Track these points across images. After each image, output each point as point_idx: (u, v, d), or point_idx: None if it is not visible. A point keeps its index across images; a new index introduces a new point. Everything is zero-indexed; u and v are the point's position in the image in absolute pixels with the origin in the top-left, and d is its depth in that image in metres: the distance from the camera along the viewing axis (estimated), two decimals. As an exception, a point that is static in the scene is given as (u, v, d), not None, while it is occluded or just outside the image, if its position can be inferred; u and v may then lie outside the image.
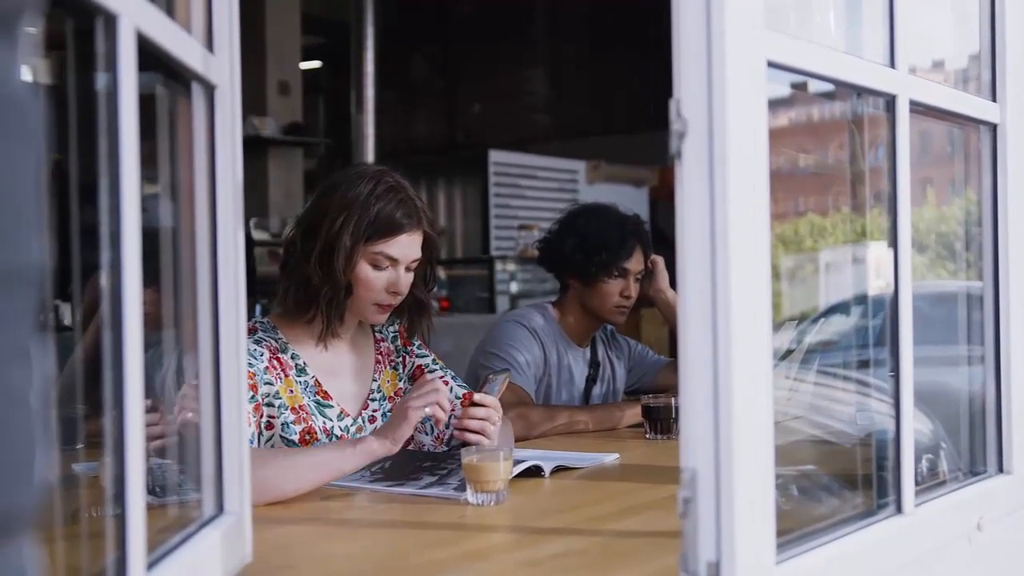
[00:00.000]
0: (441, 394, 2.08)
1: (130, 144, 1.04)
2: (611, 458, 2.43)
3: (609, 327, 3.28)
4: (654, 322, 6.66)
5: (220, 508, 1.41)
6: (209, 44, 1.38)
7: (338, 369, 2.36)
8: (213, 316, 1.40)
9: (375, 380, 2.42)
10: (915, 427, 1.61)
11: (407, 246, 2.28)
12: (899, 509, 1.55)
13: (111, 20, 1.01)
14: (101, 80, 1.04)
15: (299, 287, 2.27)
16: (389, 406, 2.40)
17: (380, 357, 2.45)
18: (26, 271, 0.61)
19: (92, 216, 1.05)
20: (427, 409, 2.05)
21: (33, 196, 0.62)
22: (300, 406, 2.25)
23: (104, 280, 1.03)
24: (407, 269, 2.30)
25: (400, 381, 2.46)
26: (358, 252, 2.24)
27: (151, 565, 1.11)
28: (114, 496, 1.05)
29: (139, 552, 1.04)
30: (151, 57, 1.14)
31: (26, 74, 0.63)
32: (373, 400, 2.40)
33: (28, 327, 0.62)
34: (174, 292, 1.39)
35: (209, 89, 1.38)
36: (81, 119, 1.05)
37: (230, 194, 1.41)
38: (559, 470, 2.26)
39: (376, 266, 2.26)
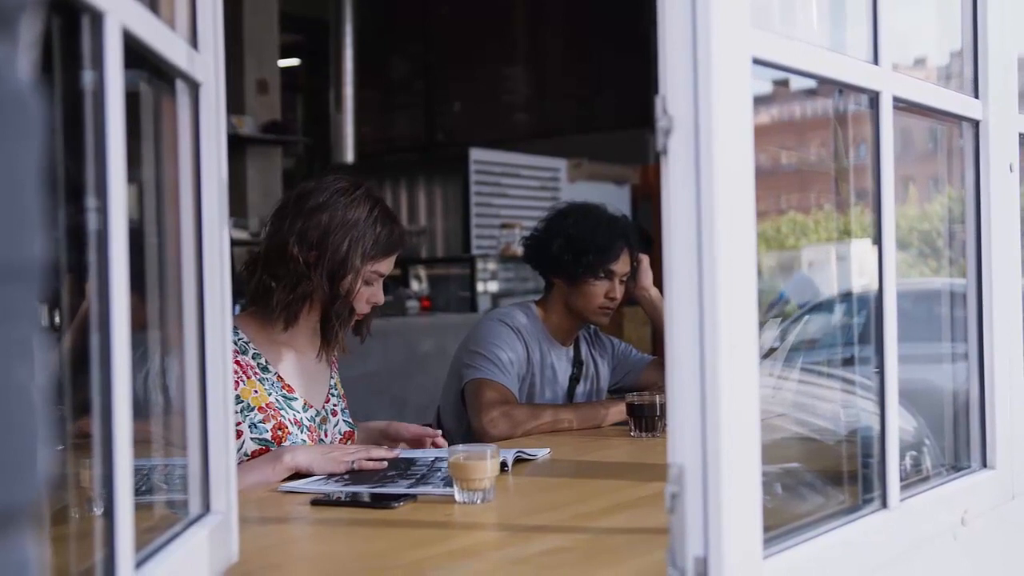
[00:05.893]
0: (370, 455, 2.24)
1: (117, 142, 1.03)
2: (543, 452, 2.47)
3: (593, 326, 3.28)
4: (636, 320, 6.68)
5: (207, 507, 1.40)
6: (193, 42, 1.38)
7: (300, 367, 2.45)
8: (199, 316, 1.39)
9: (332, 378, 2.55)
10: (899, 424, 1.62)
11: (393, 262, 2.46)
12: (884, 504, 1.56)
13: (97, 18, 1.01)
14: (87, 78, 1.03)
15: (300, 300, 2.35)
16: (344, 403, 2.56)
17: (333, 359, 2.58)
18: (29, 267, 0.62)
19: (76, 215, 1.04)
20: (354, 465, 2.20)
21: (34, 192, 0.62)
22: (267, 404, 2.33)
23: (90, 281, 1.03)
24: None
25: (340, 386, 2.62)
26: (362, 273, 2.36)
27: (138, 564, 1.11)
28: (100, 496, 1.05)
29: (127, 551, 1.03)
30: (135, 54, 1.13)
31: (26, 72, 0.63)
32: (333, 395, 2.53)
33: (31, 322, 0.63)
34: (159, 292, 1.38)
35: (194, 87, 1.38)
36: (66, 117, 1.04)
37: (215, 192, 1.41)
38: (519, 461, 2.33)
39: (367, 282, 2.39)
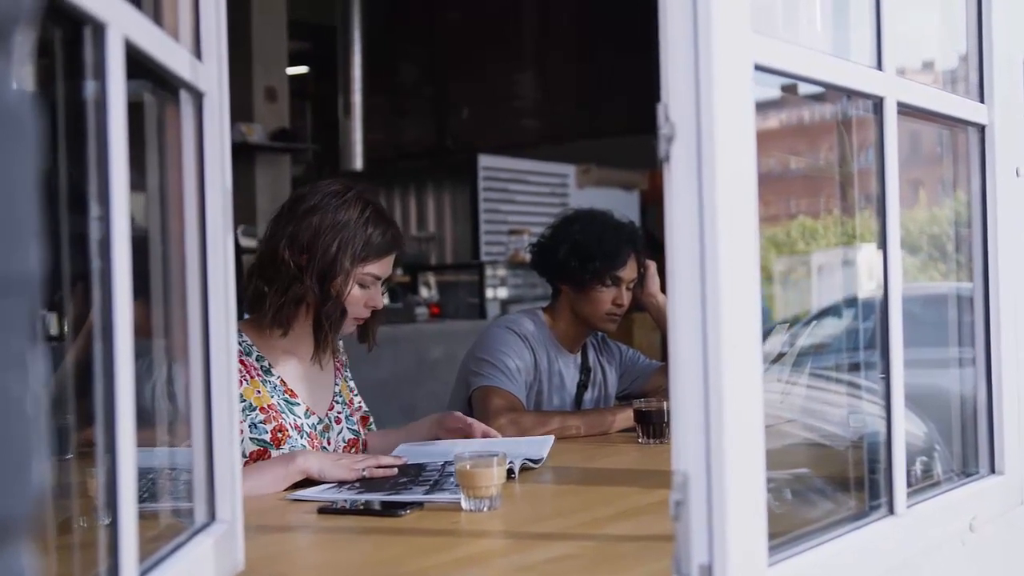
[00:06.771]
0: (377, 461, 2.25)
1: (119, 152, 1.04)
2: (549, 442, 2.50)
3: (600, 332, 3.28)
4: (646, 326, 6.66)
5: (212, 516, 1.40)
6: (197, 52, 1.38)
7: (303, 374, 2.45)
8: (203, 325, 1.39)
9: (336, 385, 2.54)
10: (909, 430, 1.61)
11: (390, 265, 2.44)
12: (891, 510, 1.55)
13: (99, 29, 1.01)
14: (89, 88, 1.03)
15: (292, 303, 2.35)
16: (349, 411, 2.55)
17: (338, 365, 2.58)
18: (24, 279, 0.62)
19: (80, 225, 1.05)
20: (365, 472, 2.19)
21: (30, 204, 0.63)
22: (269, 405, 2.34)
23: (94, 289, 1.03)
24: (383, 284, 2.45)
25: (351, 392, 2.60)
26: (353, 275, 2.35)
27: (143, 573, 1.11)
28: (105, 505, 1.05)
29: (131, 561, 1.03)
30: (139, 65, 1.14)
31: (22, 83, 0.64)
32: (337, 402, 2.52)
33: (25, 334, 0.63)
34: (163, 301, 1.38)
35: (197, 97, 1.38)
36: (68, 127, 1.05)
37: (219, 202, 1.41)
38: (526, 469, 2.31)
39: (362, 285, 2.39)
